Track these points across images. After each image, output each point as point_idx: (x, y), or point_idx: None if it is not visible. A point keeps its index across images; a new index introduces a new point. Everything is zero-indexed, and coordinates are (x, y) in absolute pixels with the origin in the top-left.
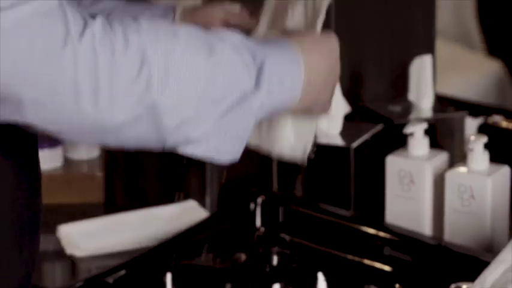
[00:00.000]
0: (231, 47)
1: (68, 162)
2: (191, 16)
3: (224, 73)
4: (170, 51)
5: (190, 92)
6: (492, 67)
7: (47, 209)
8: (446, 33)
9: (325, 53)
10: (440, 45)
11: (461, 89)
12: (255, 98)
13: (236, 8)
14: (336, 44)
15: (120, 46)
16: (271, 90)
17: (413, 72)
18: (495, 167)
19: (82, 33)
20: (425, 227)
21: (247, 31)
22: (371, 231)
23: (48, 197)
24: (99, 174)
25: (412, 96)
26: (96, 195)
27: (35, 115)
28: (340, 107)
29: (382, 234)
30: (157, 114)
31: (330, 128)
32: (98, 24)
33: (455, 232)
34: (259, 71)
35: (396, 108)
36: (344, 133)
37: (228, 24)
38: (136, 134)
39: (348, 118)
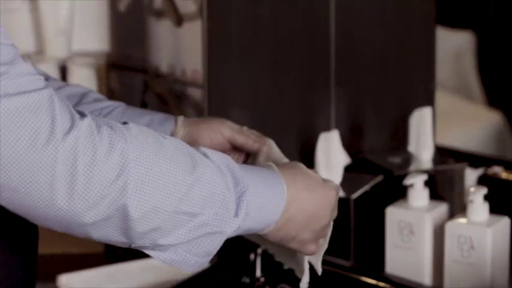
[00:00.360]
0: (216, 167)
1: None
2: (195, 128)
3: (203, 190)
4: (152, 162)
5: (164, 204)
6: (492, 118)
7: (47, 259)
8: (446, 85)
9: (315, 197)
10: (440, 96)
11: (461, 140)
12: (231, 223)
13: (236, 126)
14: (333, 194)
15: (102, 151)
16: (249, 215)
17: (413, 124)
18: (495, 218)
19: (67, 133)
20: (425, 278)
21: (248, 155)
22: (371, 281)
23: (48, 247)
24: None
25: (412, 147)
26: (96, 245)
27: (7, 198)
28: (340, 158)
29: (382, 284)
30: (126, 220)
31: (330, 179)
32: (84, 125)
33: (455, 283)
34: (241, 196)
35: (396, 160)
36: (344, 184)
37: (232, 142)
38: (104, 233)
39: (348, 169)
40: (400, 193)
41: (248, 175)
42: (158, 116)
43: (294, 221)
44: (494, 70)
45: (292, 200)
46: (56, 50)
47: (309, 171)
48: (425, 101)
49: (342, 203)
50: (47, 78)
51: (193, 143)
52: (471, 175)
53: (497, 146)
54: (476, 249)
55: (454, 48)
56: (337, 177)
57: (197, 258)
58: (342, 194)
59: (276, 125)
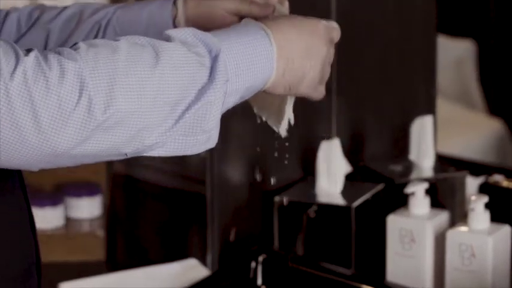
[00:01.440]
0: (181, 45)
1: (69, 221)
2: (195, 7)
3: (175, 75)
4: (111, 69)
5: (140, 105)
6: (493, 126)
7: (48, 267)
8: (447, 93)
9: (302, 30)
10: (441, 104)
11: (462, 148)
12: (213, 90)
13: None
14: (320, 25)
15: (55, 77)
16: (238, 74)
17: (414, 132)
18: (496, 226)
19: (13, 72)
20: (426, 286)
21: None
22: None
23: (50, 255)
24: (100, 232)
25: (413, 156)
26: (98, 253)
27: None
28: (341, 166)
29: None
30: (105, 134)
31: (331, 187)
32: (30, 59)
33: None
34: (215, 60)
35: (397, 168)
36: (345, 192)
37: (238, 14)
38: (90, 153)
39: (349, 178)
40: (401, 201)
41: (221, 37)
42: (156, 4)
43: (293, 60)
44: (495, 78)
45: (282, 40)
46: None
47: (286, 16)
48: (426, 109)
49: (343, 212)
50: (43, 10)
51: (196, 24)
52: (472, 183)
53: (498, 154)
54: (477, 257)
55: (455, 56)
56: (338, 185)
57: (194, 137)
58: (343, 202)
59: (277, 134)
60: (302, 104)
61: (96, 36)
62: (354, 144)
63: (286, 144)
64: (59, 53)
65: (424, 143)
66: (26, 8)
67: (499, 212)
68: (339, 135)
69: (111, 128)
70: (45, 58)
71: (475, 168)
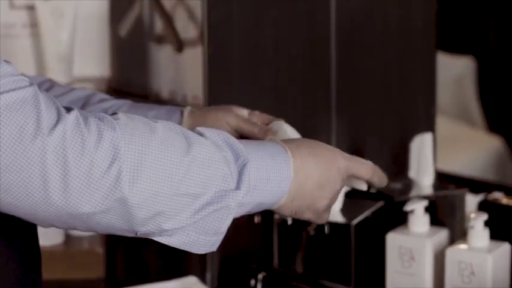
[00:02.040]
0: (212, 144)
1: (68, 238)
2: (201, 118)
3: (201, 170)
4: (145, 147)
5: (163, 188)
6: (492, 144)
7: (47, 285)
8: (446, 110)
9: (323, 162)
10: (440, 122)
11: (462, 165)
12: (234, 196)
13: (245, 112)
14: (337, 158)
15: (92, 141)
16: (256, 187)
17: (413, 150)
18: (495, 244)
19: (53, 128)
20: None
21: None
22: None
23: (49, 272)
24: (100, 250)
25: (412, 173)
26: (97, 271)
27: (3, 201)
28: None
29: None
30: (127, 208)
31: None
32: (71, 118)
33: None
34: (242, 168)
35: (397, 186)
36: (345, 210)
37: (238, 132)
38: (105, 224)
39: (348, 195)
40: (400, 219)
41: (249, 148)
42: (164, 110)
43: (305, 188)
44: (494, 96)
45: (300, 167)
46: (57, 75)
47: (314, 140)
48: (426, 127)
49: (343, 229)
50: (53, 84)
51: None
52: (472, 201)
53: (498, 171)
54: (477, 275)
55: (454, 73)
56: (337, 203)
57: (207, 237)
58: (342, 219)
59: None
60: (302, 121)
61: None
62: None
63: None
64: (99, 119)
65: (423, 161)
66: (35, 78)
67: (499, 230)
68: None
69: (132, 206)
70: (85, 120)
71: (474, 185)
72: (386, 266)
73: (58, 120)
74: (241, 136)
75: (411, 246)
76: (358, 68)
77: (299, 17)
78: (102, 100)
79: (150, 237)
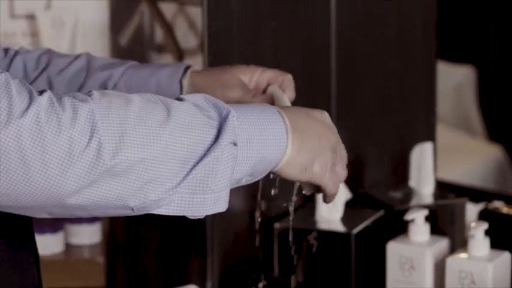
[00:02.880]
0: (193, 105)
1: (69, 247)
2: (207, 76)
3: (184, 133)
4: (123, 118)
5: (149, 155)
6: (493, 153)
7: None
8: (446, 119)
9: (313, 117)
10: (441, 131)
11: (462, 174)
12: (219, 147)
13: (247, 77)
14: (327, 116)
15: (67, 119)
16: (249, 140)
17: (414, 159)
18: (496, 253)
19: (26, 110)
20: None
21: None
22: None
23: (50, 282)
24: (100, 259)
25: (413, 182)
26: (98, 279)
27: None
28: (341, 193)
29: None
30: (114, 179)
31: (331, 214)
32: (44, 99)
33: None
34: (224, 120)
35: (397, 195)
36: (345, 219)
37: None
38: (95, 201)
39: (349, 204)
40: (401, 228)
41: (236, 106)
42: (166, 70)
43: (306, 137)
44: (494, 104)
45: (293, 119)
46: None
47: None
48: (426, 136)
49: (343, 238)
50: (51, 57)
51: None
52: (472, 210)
53: (498, 180)
54: (477, 284)
55: (454, 82)
56: (338, 212)
57: (203, 195)
58: (343, 229)
59: None
60: None
61: None
62: (354, 171)
63: None
64: (73, 96)
65: (424, 170)
66: (33, 52)
67: (499, 239)
68: None
69: (118, 175)
70: (59, 99)
71: (475, 194)
72: (387, 275)
73: (30, 102)
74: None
75: (411, 255)
76: (358, 78)
77: (299, 27)
78: (101, 68)
79: (148, 211)
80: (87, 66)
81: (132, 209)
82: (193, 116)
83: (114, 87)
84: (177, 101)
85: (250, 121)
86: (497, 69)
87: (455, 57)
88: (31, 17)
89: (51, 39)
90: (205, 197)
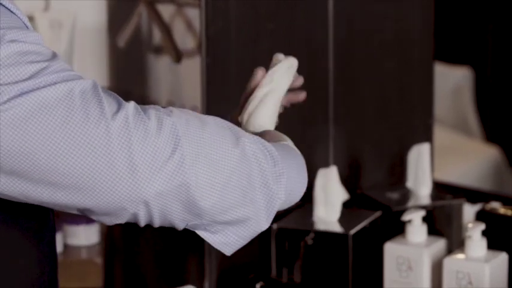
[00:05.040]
0: (255, 143)
1: (67, 248)
2: None
3: (248, 164)
4: (200, 136)
5: (218, 177)
6: (490, 153)
7: None
8: (444, 121)
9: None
10: (438, 132)
11: (459, 175)
12: (273, 207)
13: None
14: None
15: (153, 127)
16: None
17: (411, 160)
18: (493, 253)
19: (116, 114)
20: None
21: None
22: None
23: None
24: (98, 260)
25: (410, 183)
26: (96, 280)
27: (69, 194)
28: (338, 194)
29: None
30: (188, 194)
31: (329, 215)
32: (131, 106)
33: None
34: (278, 180)
35: (394, 196)
36: (342, 220)
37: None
38: (167, 211)
39: (346, 205)
40: (398, 229)
41: (282, 157)
42: None
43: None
44: (492, 106)
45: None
46: None
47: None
48: (423, 137)
49: (340, 239)
50: None
51: None
52: (469, 211)
53: (495, 181)
54: (474, 284)
55: (452, 84)
56: (335, 213)
57: (243, 240)
58: (340, 229)
59: None
60: (300, 133)
61: None
62: (351, 172)
63: None
64: (155, 108)
65: (421, 171)
66: None
67: (496, 240)
68: (336, 162)
69: (194, 190)
70: (144, 109)
71: (472, 195)
72: (384, 275)
73: (119, 107)
74: None
75: (409, 256)
76: (356, 79)
77: (297, 29)
78: None
79: (195, 230)
80: None
81: (187, 224)
82: (256, 153)
83: None
84: (243, 132)
85: (290, 182)
86: (495, 71)
87: (453, 59)
88: (29, 18)
89: (50, 41)
90: (242, 242)
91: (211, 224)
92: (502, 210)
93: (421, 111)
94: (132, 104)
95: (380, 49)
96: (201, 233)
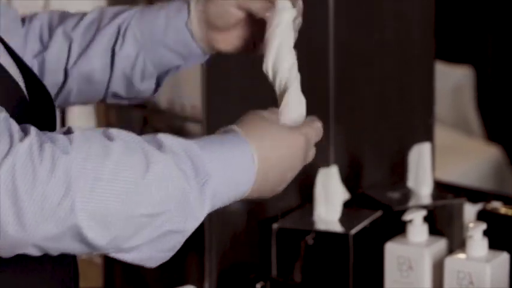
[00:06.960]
0: (171, 160)
1: None
2: (205, 5)
3: (160, 189)
4: (99, 172)
5: (120, 213)
6: (491, 153)
7: None
8: (445, 120)
9: (286, 152)
10: (439, 131)
11: (460, 175)
12: (194, 218)
13: None
14: (301, 141)
15: (44, 172)
16: (216, 196)
17: (412, 160)
18: (494, 253)
19: (2, 160)
20: None
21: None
22: None
23: None
24: (98, 259)
25: (411, 183)
26: (96, 280)
27: None
28: (339, 194)
29: None
30: (81, 234)
31: (329, 214)
32: (23, 148)
33: None
34: (202, 189)
35: (395, 195)
36: (343, 220)
37: (243, 9)
38: (59, 248)
39: (347, 205)
40: (399, 228)
41: (211, 156)
42: (173, 7)
43: (268, 179)
44: (493, 105)
45: (263, 161)
46: None
47: (271, 120)
48: (424, 136)
49: (341, 239)
50: (66, 15)
51: (206, 23)
52: (470, 210)
53: (496, 180)
54: (476, 284)
55: (453, 83)
56: (336, 212)
57: (162, 254)
58: (341, 229)
59: None
60: None
61: (116, 43)
62: (352, 172)
63: None
64: (54, 142)
65: (422, 170)
66: (45, 15)
67: (497, 239)
68: (336, 162)
69: (86, 230)
70: (40, 147)
71: (473, 195)
72: (385, 275)
73: (8, 151)
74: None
75: (410, 255)
76: (357, 79)
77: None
78: (113, 17)
79: (107, 254)
80: (98, 18)
81: (93, 253)
82: (170, 174)
83: (126, 30)
84: (157, 152)
85: (222, 179)
86: (496, 70)
87: (454, 58)
88: None
89: None
90: (163, 256)
91: (119, 250)
92: (503, 209)
93: (421, 110)
94: (25, 144)
95: (381, 49)
96: (113, 255)
